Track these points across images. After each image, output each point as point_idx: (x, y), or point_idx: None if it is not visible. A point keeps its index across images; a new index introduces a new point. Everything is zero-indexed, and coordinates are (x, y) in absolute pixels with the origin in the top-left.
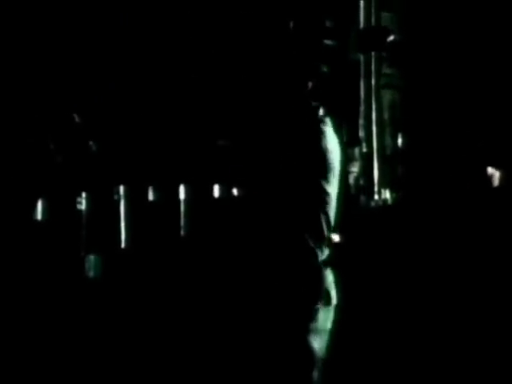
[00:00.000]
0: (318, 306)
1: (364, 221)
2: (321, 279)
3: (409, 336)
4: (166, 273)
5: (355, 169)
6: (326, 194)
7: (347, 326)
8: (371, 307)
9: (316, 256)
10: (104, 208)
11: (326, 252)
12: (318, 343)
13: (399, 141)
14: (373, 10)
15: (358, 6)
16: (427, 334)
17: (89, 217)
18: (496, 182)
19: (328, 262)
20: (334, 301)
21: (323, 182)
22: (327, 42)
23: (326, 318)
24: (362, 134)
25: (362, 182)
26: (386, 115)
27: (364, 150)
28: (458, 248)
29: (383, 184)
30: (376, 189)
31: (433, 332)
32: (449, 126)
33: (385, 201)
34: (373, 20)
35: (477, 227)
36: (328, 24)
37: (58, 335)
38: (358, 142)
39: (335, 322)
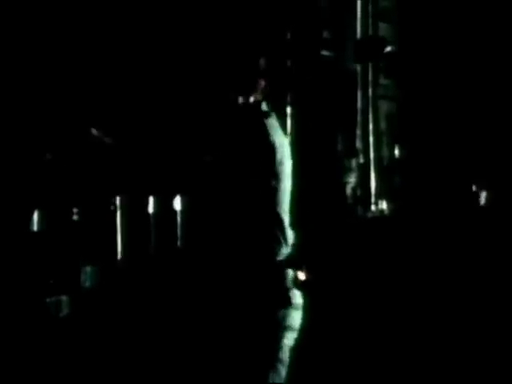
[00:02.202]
0: (280, 305)
1: (361, 231)
2: (281, 279)
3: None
4: (162, 283)
5: (352, 179)
6: (276, 190)
7: (319, 326)
8: (361, 313)
9: (274, 255)
10: (100, 219)
11: (286, 250)
12: (284, 343)
13: (396, 151)
14: (370, 21)
15: (355, 16)
16: (407, 341)
17: (85, 228)
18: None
19: (289, 262)
20: (298, 300)
21: (272, 179)
22: (324, 52)
23: (292, 318)
24: (358, 144)
25: (358, 192)
26: (382, 126)
27: (361, 160)
28: (455, 259)
29: (380, 195)
30: (373, 199)
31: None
32: (446, 137)
33: (382, 211)
34: (370, 30)
35: (474, 238)
36: (325, 35)
37: (54, 345)
38: (354, 153)
39: (303, 322)
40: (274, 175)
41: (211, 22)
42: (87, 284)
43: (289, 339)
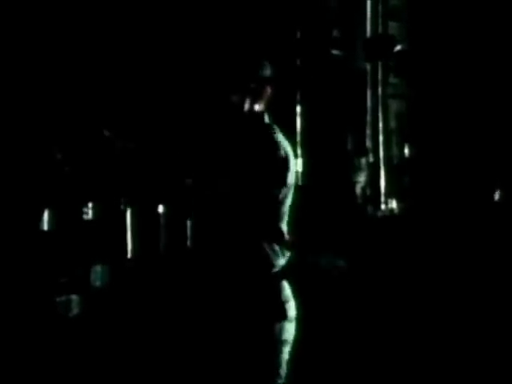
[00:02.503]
0: (276, 319)
1: (370, 231)
2: (276, 292)
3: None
4: (171, 283)
5: (362, 178)
6: (281, 207)
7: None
8: (371, 315)
9: (271, 267)
10: (110, 218)
11: (284, 260)
12: (283, 358)
13: (406, 150)
14: (380, 20)
15: (365, 15)
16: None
17: (95, 227)
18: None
19: (285, 273)
20: (292, 313)
21: (276, 191)
22: (334, 51)
23: (287, 331)
24: (368, 143)
25: (368, 191)
26: (392, 124)
27: (370, 159)
28: (466, 258)
29: (390, 194)
30: (383, 198)
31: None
32: (456, 136)
33: (392, 211)
34: (380, 29)
35: (486, 237)
36: (335, 33)
37: (64, 344)
38: (364, 152)
39: (297, 334)
40: (284, 187)
41: (217, 23)
42: (97, 283)
43: (285, 353)
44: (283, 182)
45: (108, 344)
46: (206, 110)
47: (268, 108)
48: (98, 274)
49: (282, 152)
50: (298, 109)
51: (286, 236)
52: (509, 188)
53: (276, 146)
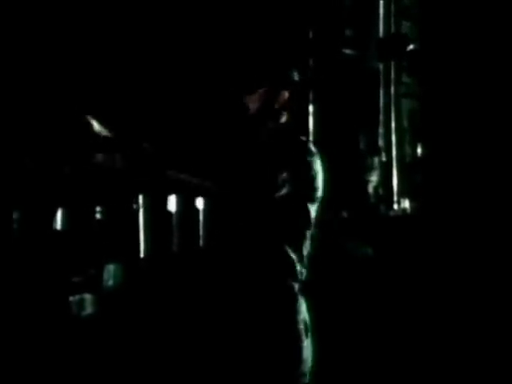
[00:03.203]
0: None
1: (383, 230)
2: (296, 305)
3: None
4: (184, 282)
5: (374, 178)
6: (310, 218)
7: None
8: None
9: (295, 278)
10: (123, 218)
11: (305, 273)
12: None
13: (419, 149)
14: (392, 19)
15: (378, 15)
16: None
17: (108, 226)
18: None
19: (304, 288)
20: (308, 327)
21: (309, 207)
22: (347, 50)
23: (305, 346)
24: (381, 142)
25: (381, 190)
26: (405, 124)
27: (383, 158)
28: (477, 257)
29: (403, 193)
30: (395, 198)
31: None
32: (469, 135)
33: (404, 210)
34: (392, 29)
35: (498, 237)
36: (348, 33)
37: (76, 342)
38: (377, 151)
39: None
40: (311, 204)
41: (230, 23)
42: (110, 282)
43: (305, 371)
44: (309, 198)
45: (121, 342)
46: (223, 113)
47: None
48: (110, 274)
49: (312, 173)
50: (311, 108)
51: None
52: None
53: (308, 168)
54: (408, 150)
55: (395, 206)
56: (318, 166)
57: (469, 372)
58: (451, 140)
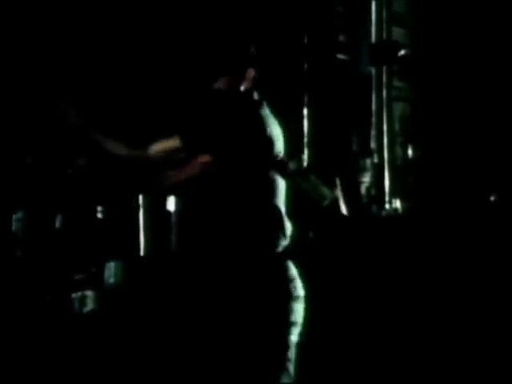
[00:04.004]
0: (284, 300)
1: (375, 230)
2: (281, 272)
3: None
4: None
5: (367, 179)
6: (274, 184)
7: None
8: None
9: (274, 247)
10: (123, 216)
11: (287, 241)
12: (291, 340)
13: (410, 151)
14: (384, 25)
15: (370, 21)
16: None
17: (109, 225)
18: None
19: (289, 253)
20: (299, 292)
21: (271, 171)
22: (340, 55)
23: (296, 312)
24: (373, 144)
25: (373, 191)
26: (396, 126)
27: (375, 160)
28: (469, 258)
29: (394, 194)
30: (387, 198)
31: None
32: (459, 137)
33: (396, 210)
34: (384, 35)
35: (489, 238)
36: (341, 38)
37: (78, 338)
38: (369, 153)
39: (306, 315)
40: (273, 167)
41: (214, 20)
42: (111, 280)
43: (294, 335)
44: (269, 158)
45: (121, 338)
46: (191, 93)
47: (255, 87)
48: (111, 271)
49: (268, 128)
50: (305, 111)
51: (284, 215)
52: (510, 188)
53: (261, 121)
54: (399, 151)
55: (387, 206)
56: (274, 126)
57: (462, 372)
58: (441, 142)
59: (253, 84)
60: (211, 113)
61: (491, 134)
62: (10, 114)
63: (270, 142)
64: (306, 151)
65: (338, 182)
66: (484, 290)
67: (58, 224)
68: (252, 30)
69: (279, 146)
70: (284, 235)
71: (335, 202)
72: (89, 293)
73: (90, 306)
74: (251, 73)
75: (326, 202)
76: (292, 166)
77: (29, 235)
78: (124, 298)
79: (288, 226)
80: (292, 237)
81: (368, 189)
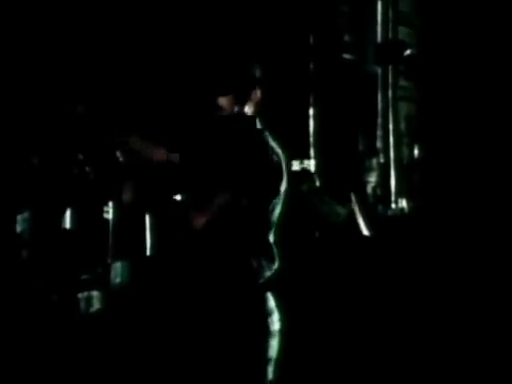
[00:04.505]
0: (261, 336)
1: (381, 229)
2: (259, 305)
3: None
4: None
5: (373, 178)
6: (270, 213)
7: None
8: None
9: (257, 280)
10: (130, 217)
11: (270, 273)
12: (268, 377)
13: (416, 151)
14: (390, 25)
15: (376, 20)
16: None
17: (115, 225)
18: None
19: (270, 285)
20: (275, 327)
21: (269, 202)
22: (346, 55)
23: (272, 348)
24: (379, 144)
25: (379, 191)
26: (402, 126)
27: (381, 160)
28: (475, 258)
29: (400, 193)
30: (393, 198)
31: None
32: (465, 137)
33: (402, 210)
34: (390, 34)
35: (495, 237)
36: (346, 38)
37: (84, 338)
38: (375, 153)
39: (281, 349)
40: (277, 197)
41: (217, 26)
42: (117, 280)
43: (270, 372)
44: (276, 191)
45: (127, 339)
46: (194, 113)
47: (259, 112)
48: (117, 272)
49: (275, 160)
50: (311, 111)
51: (274, 248)
52: None
53: (269, 154)
54: (405, 151)
55: (393, 206)
56: (278, 153)
57: (461, 372)
58: (447, 142)
59: (258, 108)
60: (218, 144)
61: (498, 133)
62: (15, 114)
63: (278, 174)
64: (311, 151)
65: (353, 197)
66: (491, 289)
67: (63, 224)
68: (257, 31)
69: (283, 178)
70: (269, 268)
71: (351, 218)
72: (95, 293)
73: (96, 306)
74: (257, 94)
75: (340, 219)
76: (305, 188)
77: (35, 235)
78: (130, 299)
79: (276, 258)
80: (276, 269)
81: (374, 188)
